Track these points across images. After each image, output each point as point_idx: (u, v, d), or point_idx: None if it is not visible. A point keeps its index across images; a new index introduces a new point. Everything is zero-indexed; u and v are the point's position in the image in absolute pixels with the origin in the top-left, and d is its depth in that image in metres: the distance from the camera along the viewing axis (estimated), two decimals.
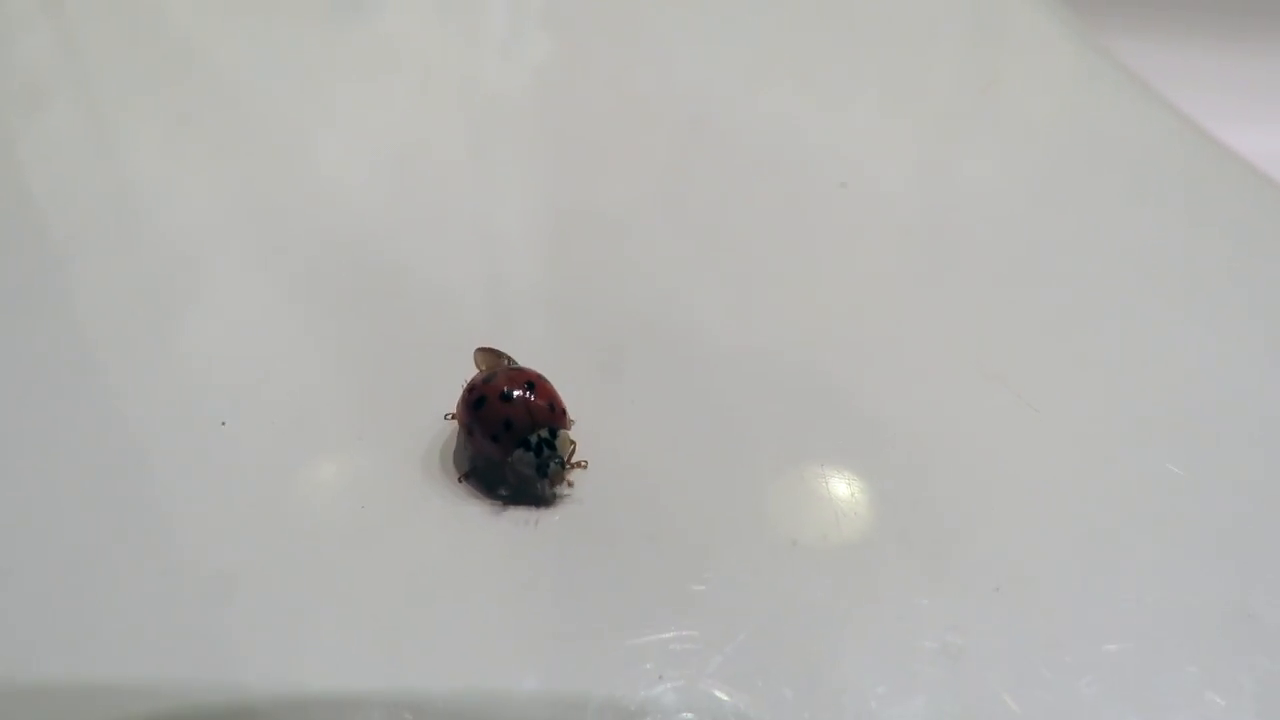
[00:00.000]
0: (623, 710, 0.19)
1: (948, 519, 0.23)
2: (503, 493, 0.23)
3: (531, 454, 0.23)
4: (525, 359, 0.25)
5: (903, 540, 0.23)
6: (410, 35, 0.44)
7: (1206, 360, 0.28)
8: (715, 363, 0.27)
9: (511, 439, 0.23)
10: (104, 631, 0.20)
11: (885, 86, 0.42)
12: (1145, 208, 0.35)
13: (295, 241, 0.32)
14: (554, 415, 0.24)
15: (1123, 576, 0.22)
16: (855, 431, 0.25)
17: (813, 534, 0.23)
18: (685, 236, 0.33)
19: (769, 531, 0.22)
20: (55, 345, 0.27)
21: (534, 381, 0.24)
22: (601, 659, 0.20)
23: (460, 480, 0.23)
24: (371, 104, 0.40)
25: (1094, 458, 0.25)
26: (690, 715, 0.19)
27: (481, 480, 0.23)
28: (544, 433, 0.23)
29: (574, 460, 0.23)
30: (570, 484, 0.23)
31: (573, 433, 0.24)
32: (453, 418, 0.24)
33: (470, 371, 0.25)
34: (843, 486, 0.24)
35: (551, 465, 0.23)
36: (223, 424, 0.25)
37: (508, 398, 0.23)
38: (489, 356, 0.25)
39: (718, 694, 0.19)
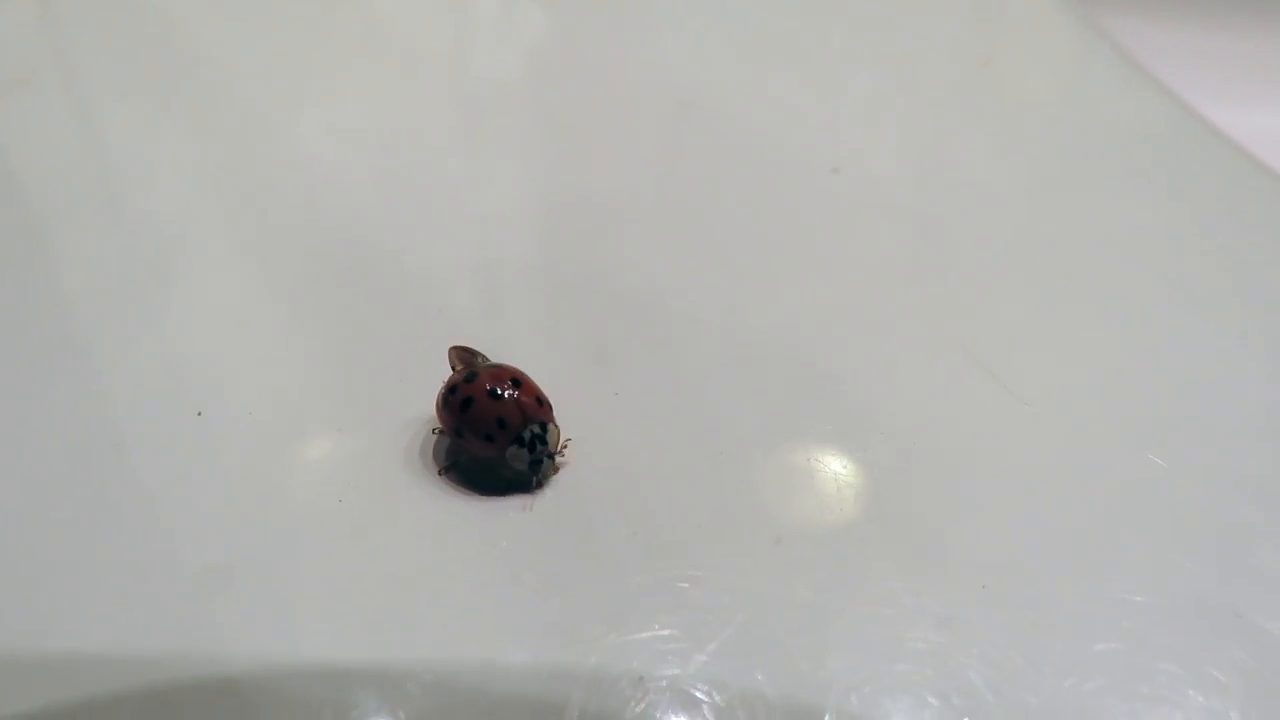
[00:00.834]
0: (604, 709, 0.19)
1: (934, 516, 0.23)
2: (487, 486, 0.23)
3: (525, 450, 0.23)
4: (509, 349, 0.25)
5: (888, 538, 0.22)
6: (397, 16, 0.44)
7: (1200, 353, 0.28)
8: (702, 352, 0.27)
9: (507, 437, 0.23)
10: (81, 609, 0.20)
11: (879, 68, 0.42)
12: (1137, 194, 0.34)
13: (278, 227, 0.31)
14: (543, 410, 0.23)
15: (1111, 574, 0.22)
16: (842, 425, 0.25)
17: (797, 532, 0.22)
18: (674, 223, 0.33)
19: (753, 528, 0.22)
20: (32, 328, 0.27)
21: (519, 378, 0.24)
22: (584, 658, 0.19)
23: (440, 474, 0.23)
24: (358, 86, 0.39)
25: (1083, 454, 0.24)
26: (672, 715, 0.19)
27: (462, 474, 0.23)
28: (536, 428, 0.23)
29: (562, 444, 0.23)
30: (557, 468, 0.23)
31: (559, 424, 0.23)
32: (440, 432, 0.24)
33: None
34: (829, 483, 0.23)
35: (544, 459, 0.23)
36: (199, 414, 0.24)
37: (497, 396, 0.23)
38: (464, 354, 0.25)
39: (699, 693, 0.19)
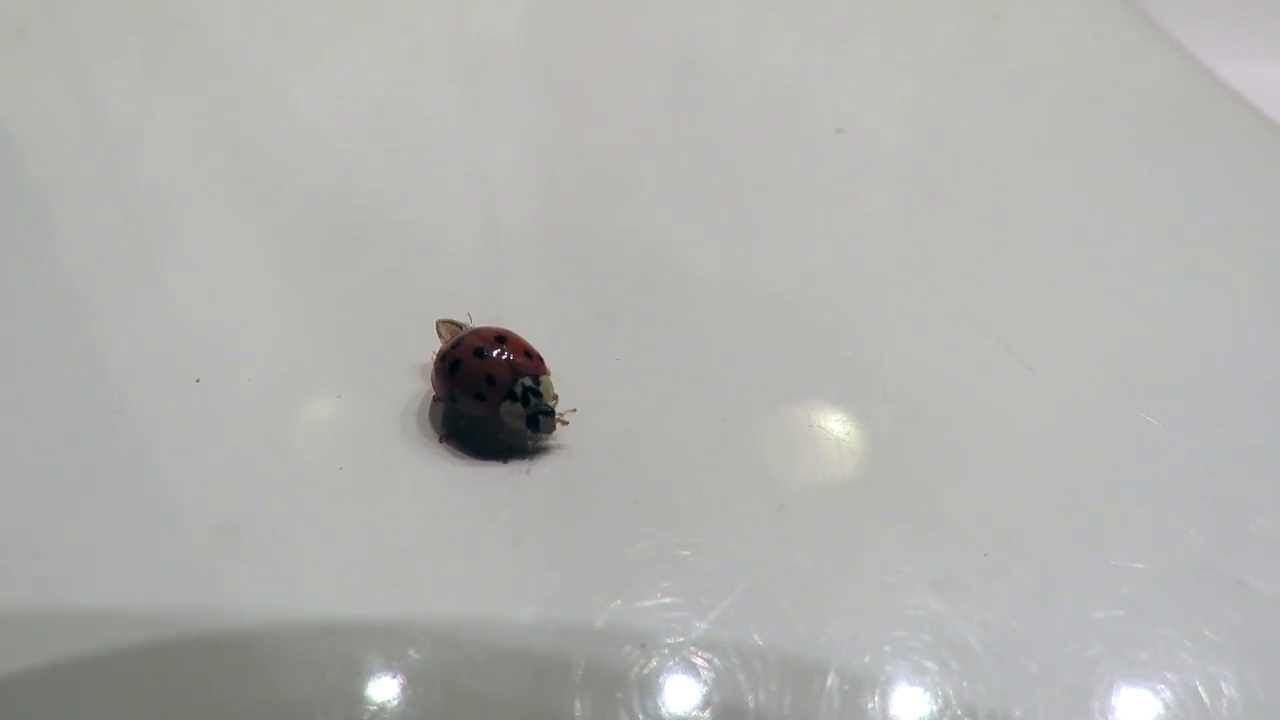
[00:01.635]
0: (607, 675, 0.19)
1: (937, 482, 0.23)
2: (487, 452, 0.23)
3: (519, 404, 0.23)
4: (509, 315, 0.25)
5: (891, 504, 0.22)
6: None
7: (1206, 317, 0.27)
8: (703, 317, 0.27)
9: (498, 393, 0.23)
10: (90, 567, 0.20)
11: (885, 23, 0.41)
12: (1147, 153, 0.34)
13: (274, 190, 0.31)
14: (533, 362, 0.23)
15: (1112, 541, 0.22)
16: (845, 390, 0.25)
17: (799, 498, 0.22)
18: (675, 185, 0.32)
19: (756, 495, 0.22)
20: (28, 293, 0.27)
21: (504, 335, 0.24)
22: (588, 623, 0.20)
23: (441, 441, 0.23)
24: (356, 47, 0.38)
25: (1086, 421, 0.24)
26: (674, 679, 0.19)
27: (462, 440, 0.23)
28: (527, 381, 0.23)
29: (560, 414, 0.23)
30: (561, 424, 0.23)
31: (559, 391, 0.23)
32: (438, 399, 0.24)
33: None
34: (831, 449, 0.23)
35: (541, 415, 0.23)
36: (197, 381, 0.24)
37: (483, 354, 0.23)
38: (450, 327, 0.25)
39: (700, 660, 0.19)
